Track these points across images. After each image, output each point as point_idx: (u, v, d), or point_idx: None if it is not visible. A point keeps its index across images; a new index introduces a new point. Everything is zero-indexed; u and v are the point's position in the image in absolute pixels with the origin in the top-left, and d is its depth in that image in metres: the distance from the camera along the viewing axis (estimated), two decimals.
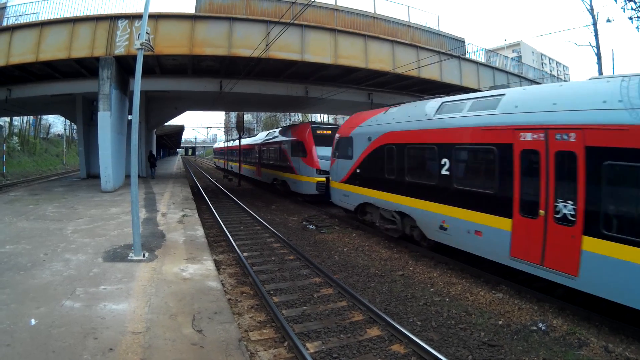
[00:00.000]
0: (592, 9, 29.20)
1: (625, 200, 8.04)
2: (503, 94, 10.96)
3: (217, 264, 11.79)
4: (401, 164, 14.44)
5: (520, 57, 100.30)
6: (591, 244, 8.14)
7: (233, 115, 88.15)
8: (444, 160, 12.26)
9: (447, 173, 12.18)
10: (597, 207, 8.15)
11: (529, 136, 9.62)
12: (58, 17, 21.76)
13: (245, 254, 13.23)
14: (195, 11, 21.55)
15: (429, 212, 12.93)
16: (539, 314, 9.26)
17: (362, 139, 16.82)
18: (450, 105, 12.68)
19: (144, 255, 9.71)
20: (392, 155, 14.90)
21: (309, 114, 76.31)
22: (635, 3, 20.86)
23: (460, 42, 29.86)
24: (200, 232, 13.03)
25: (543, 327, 8.64)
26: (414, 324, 8.75)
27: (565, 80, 64.43)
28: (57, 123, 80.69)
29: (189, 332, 5.92)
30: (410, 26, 26.98)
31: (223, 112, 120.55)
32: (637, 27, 22.98)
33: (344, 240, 16.30)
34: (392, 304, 9.83)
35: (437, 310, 9.52)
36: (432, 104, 13.54)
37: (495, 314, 9.34)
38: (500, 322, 8.89)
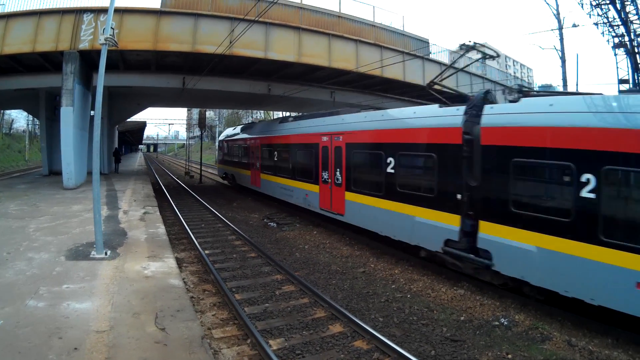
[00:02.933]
0: (558, 13, 29.98)
1: None
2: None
3: (179, 262, 11.82)
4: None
5: (484, 58, 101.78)
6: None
7: (195, 112, 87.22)
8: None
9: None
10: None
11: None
12: (24, 9, 21.32)
13: (206, 252, 13.25)
14: (161, 6, 21.35)
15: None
16: (501, 309, 9.52)
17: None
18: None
19: (106, 254, 9.70)
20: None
21: (271, 112, 76.19)
22: (601, 9, 21.57)
23: (425, 43, 30.18)
24: (161, 229, 13.04)
25: (505, 322, 8.87)
26: (376, 320, 8.88)
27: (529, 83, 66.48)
28: (19, 118, 78.95)
29: (152, 330, 5.98)
30: (375, 26, 27.21)
31: (185, 109, 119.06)
32: (602, 33, 23.74)
33: (305, 237, 16.43)
34: (353, 301, 9.95)
35: (399, 307, 9.69)
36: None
37: (457, 309, 9.55)
38: (462, 318, 9.11)
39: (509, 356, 7.51)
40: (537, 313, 9.28)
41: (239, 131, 31.69)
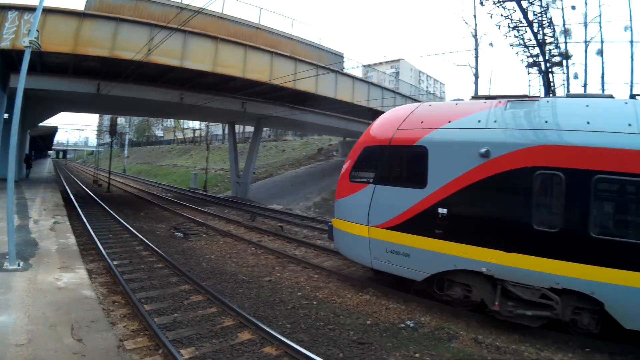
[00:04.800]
0: (476, 33, 32.07)
1: None
2: None
3: (89, 273, 11.50)
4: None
5: (398, 73, 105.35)
6: None
7: (107, 118, 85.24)
8: None
9: None
10: None
11: None
12: None
13: (115, 263, 12.99)
14: (85, 8, 21.04)
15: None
16: (407, 312, 10.17)
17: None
18: None
19: (19, 265, 9.62)
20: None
21: (181, 121, 75.15)
22: (518, 31, 23.10)
23: (339, 57, 31.48)
24: (72, 240, 12.96)
25: (412, 324, 9.45)
26: (283, 326, 9.18)
27: (441, 98, 67.09)
28: None
29: (69, 342, 6.13)
30: (292, 38, 28.20)
31: (97, 115, 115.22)
32: (517, 53, 25.49)
33: (211, 247, 16.68)
34: (261, 309, 10.22)
35: (306, 313, 10.07)
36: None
37: (363, 314, 10.07)
38: (368, 322, 9.61)
39: (417, 355, 8.00)
40: (443, 315, 9.96)
41: None
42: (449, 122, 10.44)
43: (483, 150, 9.46)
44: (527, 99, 10.27)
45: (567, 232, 8.56)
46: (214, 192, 42.85)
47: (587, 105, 9.11)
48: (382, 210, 11.18)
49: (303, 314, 10.08)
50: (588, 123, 8.60)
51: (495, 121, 9.81)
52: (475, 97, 11.70)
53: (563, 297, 8.60)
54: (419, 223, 10.39)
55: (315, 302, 10.90)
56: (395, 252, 10.83)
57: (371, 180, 11.54)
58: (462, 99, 12.04)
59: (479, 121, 10.00)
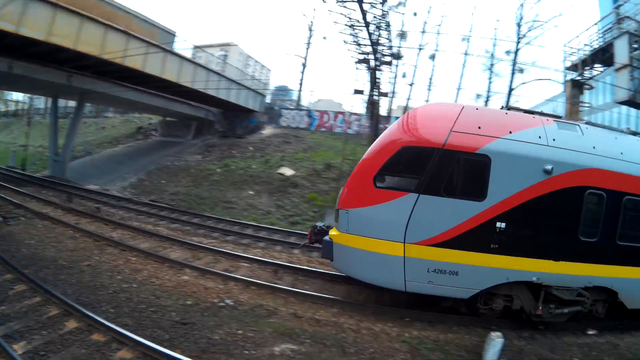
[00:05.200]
0: (312, 26, 33.75)
1: None
2: None
3: None
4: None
5: (226, 56, 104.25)
6: None
7: None
8: None
9: None
10: None
11: None
12: None
13: None
14: None
15: None
16: (225, 292, 11.21)
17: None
18: None
19: None
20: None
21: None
22: (354, 29, 24.49)
23: (172, 36, 31.31)
24: None
25: (231, 303, 10.48)
26: (107, 312, 9.41)
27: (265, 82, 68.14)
28: None
29: None
30: (129, 12, 27.43)
31: None
32: (349, 49, 27.09)
33: (30, 232, 16.00)
34: (83, 294, 10.26)
35: (127, 297, 10.40)
36: None
37: (183, 295, 10.80)
38: (189, 302, 10.33)
39: (240, 332, 8.79)
40: (261, 292, 11.22)
41: None
42: (510, 132, 10.38)
43: (549, 167, 10.04)
44: (566, 121, 11.95)
45: (603, 241, 10.42)
46: (32, 171, 39.62)
47: (616, 138, 11.31)
48: (426, 224, 10.22)
49: (125, 297, 10.42)
50: (621, 154, 10.64)
51: (554, 139, 10.41)
52: (511, 107, 12.55)
53: (590, 292, 10.53)
54: (473, 238, 10.12)
55: (135, 285, 11.32)
56: (440, 271, 10.13)
57: (413, 188, 10.32)
58: (516, 109, 12.41)
59: (540, 137, 10.40)
